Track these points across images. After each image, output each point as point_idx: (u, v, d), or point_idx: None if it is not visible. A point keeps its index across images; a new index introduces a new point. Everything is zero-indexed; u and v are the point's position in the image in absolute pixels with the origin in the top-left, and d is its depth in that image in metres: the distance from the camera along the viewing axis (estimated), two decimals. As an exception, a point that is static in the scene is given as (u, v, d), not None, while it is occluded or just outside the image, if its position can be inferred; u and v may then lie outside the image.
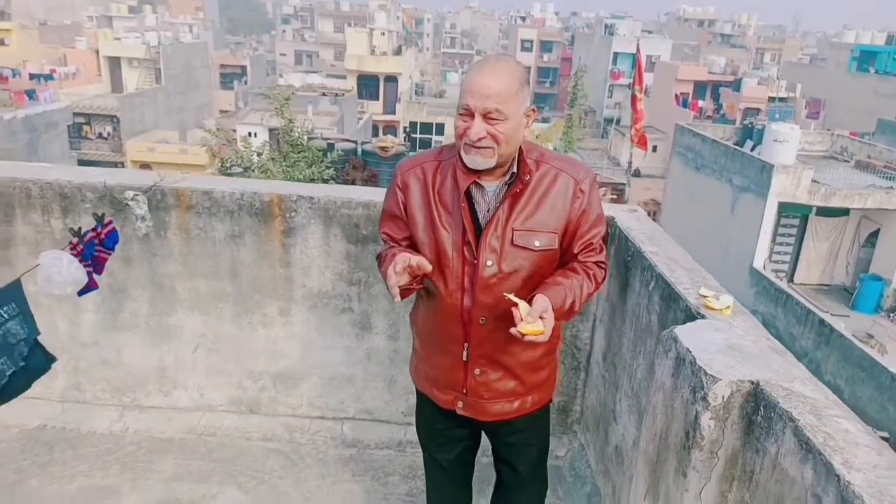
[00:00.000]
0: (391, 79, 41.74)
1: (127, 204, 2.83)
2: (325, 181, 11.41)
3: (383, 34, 43.30)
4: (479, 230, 1.85)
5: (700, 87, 45.66)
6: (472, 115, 1.73)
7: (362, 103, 39.19)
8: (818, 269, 21.34)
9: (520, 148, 1.83)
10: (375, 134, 35.79)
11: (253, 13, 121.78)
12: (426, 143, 37.52)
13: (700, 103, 44.00)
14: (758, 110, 40.17)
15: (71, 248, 2.27)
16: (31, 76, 40.92)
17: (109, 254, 2.45)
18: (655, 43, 54.37)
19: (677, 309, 2.16)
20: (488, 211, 1.85)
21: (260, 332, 3.19)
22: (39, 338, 2.19)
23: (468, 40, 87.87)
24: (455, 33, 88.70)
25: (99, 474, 2.95)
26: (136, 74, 46.02)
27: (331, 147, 13.00)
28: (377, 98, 41.38)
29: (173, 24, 61.66)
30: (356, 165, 12.41)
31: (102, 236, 2.41)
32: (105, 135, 40.30)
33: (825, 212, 20.05)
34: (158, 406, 3.32)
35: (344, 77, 42.34)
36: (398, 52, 43.99)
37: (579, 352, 3.17)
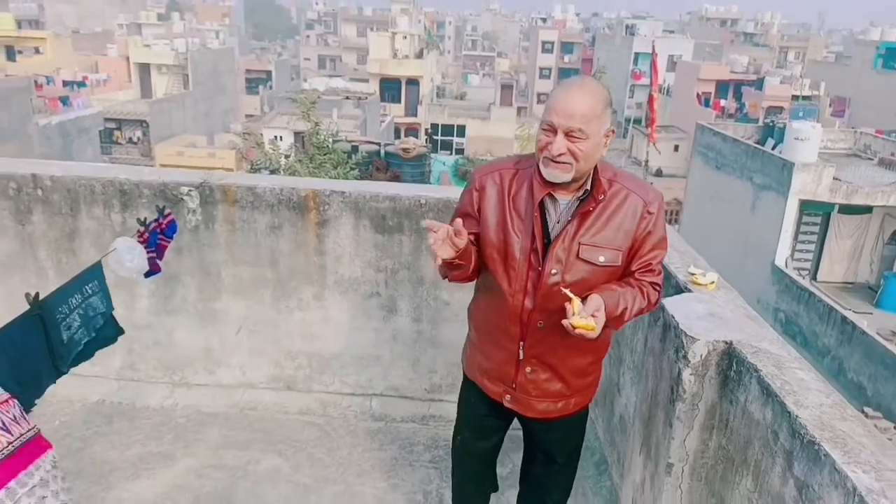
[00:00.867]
0: (413, 82, 42.15)
1: (182, 198, 3.16)
2: (350, 182, 11.66)
3: (405, 38, 43.69)
4: (547, 239, 1.95)
5: (722, 87, 45.40)
6: (554, 132, 1.82)
7: (384, 106, 39.63)
8: (842, 267, 21.25)
9: (595, 166, 1.92)
10: (397, 136, 36.18)
11: (277, 19, 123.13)
12: (447, 145, 37.82)
13: (722, 102, 43.74)
14: (781, 109, 39.83)
15: (138, 236, 2.59)
16: (65, 83, 41.91)
17: (169, 241, 2.77)
18: (677, 42, 54.18)
19: (669, 285, 2.43)
20: (558, 223, 1.95)
21: (296, 316, 3.51)
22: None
23: (489, 42, 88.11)
24: (476, 36, 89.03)
25: (154, 443, 3.28)
26: (165, 80, 46.91)
27: (355, 149, 13.36)
28: (399, 101, 41.82)
29: (200, 30, 62.61)
30: (379, 167, 12.74)
31: (164, 226, 2.74)
32: (135, 139, 41.17)
33: (848, 209, 19.97)
34: (205, 383, 3.65)
35: (366, 80, 42.84)
36: (420, 55, 44.37)
37: (589, 333, 3.44)
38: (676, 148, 38.09)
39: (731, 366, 1.89)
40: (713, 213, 23.00)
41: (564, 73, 61.83)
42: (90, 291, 2.33)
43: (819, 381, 1.73)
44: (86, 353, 2.38)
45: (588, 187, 1.93)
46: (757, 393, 1.75)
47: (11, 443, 1.85)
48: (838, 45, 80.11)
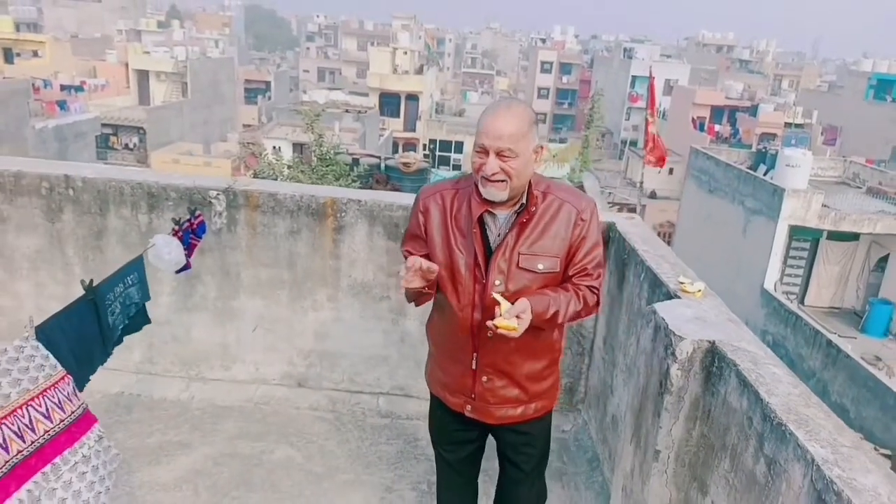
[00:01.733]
0: (412, 97, 42.61)
1: (210, 201, 3.39)
2: (350, 194, 11.91)
3: (406, 53, 44.19)
4: (489, 253, 2.06)
5: (717, 112, 45.96)
6: (487, 153, 1.95)
7: (384, 120, 40.02)
8: (829, 293, 21.61)
9: (529, 180, 2.05)
10: (395, 150, 36.51)
11: (278, 30, 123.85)
12: (445, 160, 38.19)
13: (717, 127, 44.25)
14: (774, 135, 40.37)
15: (173, 234, 2.81)
16: (63, 87, 42.02)
17: (199, 240, 2.99)
18: (674, 67, 54.90)
19: (660, 293, 2.67)
20: (499, 236, 2.06)
21: (310, 316, 3.73)
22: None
23: (489, 61, 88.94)
24: (476, 53, 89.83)
25: (172, 432, 3.48)
26: (164, 87, 47.07)
27: (356, 162, 13.62)
28: (398, 116, 42.24)
29: (200, 38, 62.88)
30: (379, 179, 13.00)
31: (195, 226, 2.96)
32: (131, 146, 41.25)
33: (836, 236, 20.37)
34: (220, 378, 3.86)
35: (366, 94, 43.25)
36: (420, 71, 44.87)
37: (584, 339, 3.67)
38: (671, 171, 38.48)
39: (714, 362, 2.12)
40: (705, 236, 23.36)
41: (562, 93, 62.55)
42: (130, 283, 2.55)
43: (790, 376, 1.97)
44: (120, 339, 2.59)
45: (524, 200, 2.05)
46: (735, 385, 1.98)
47: (63, 420, 2.05)
48: (832, 75, 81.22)
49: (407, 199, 3.65)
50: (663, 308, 2.36)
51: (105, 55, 51.13)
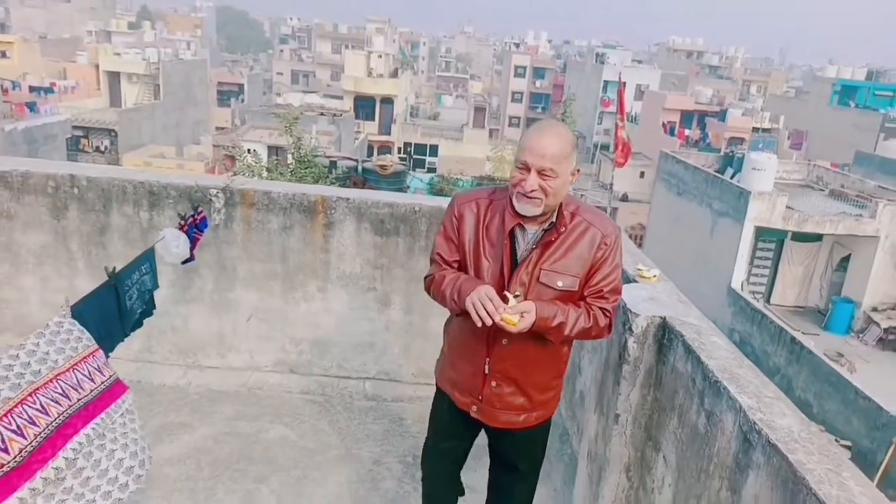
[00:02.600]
0: (387, 100, 42.83)
1: (210, 199, 3.65)
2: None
3: (380, 57, 44.38)
4: (514, 265, 2.15)
5: (687, 116, 46.82)
6: (528, 170, 2.02)
7: (359, 123, 40.17)
8: (794, 292, 22.30)
9: (561, 201, 2.13)
10: (370, 153, 36.71)
11: (250, 32, 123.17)
12: (421, 163, 38.46)
13: (687, 132, 45.06)
14: (742, 140, 41.25)
15: (179, 228, 3.07)
16: (32, 89, 41.48)
17: (201, 234, 3.25)
18: (645, 73, 55.85)
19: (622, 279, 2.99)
20: (526, 250, 2.15)
21: (302, 306, 4.01)
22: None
23: (463, 65, 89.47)
24: (450, 57, 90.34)
25: (173, 414, 3.73)
26: (135, 89, 46.63)
27: (333, 164, 13.86)
28: (373, 119, 42.43)
29: (171, 40, 62.32)
30: (357, 182, 13.24)
31: (197, 221, 3.21)
32: (102, 148, 40.80)
33: (800, 237, 21.05)
34: (216, 366, 4.11)
35: (340, 97, 43.37)
36: (394, 74, 45.10)
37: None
38: (642, 174, 39.28)
39: (665, 335, 2.45)
40: (674, 237, 23.94)
41: (536, 97, 63.21)
42: (144, 271, 2.81)
43: (728, 344, 2.30)
44: (137, 323, 2.84)
45: (553, 219, 2.14)
46: (681, 353, 2.31)
47: (104, 383, 2.31)
48: (798, 81, 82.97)
49: (391, 197, 3.94)
50: (623, 290, 2.68)
51: (75, 56, 50.48)
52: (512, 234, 2.15)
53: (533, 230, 2.15)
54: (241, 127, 38.13)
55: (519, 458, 2.47)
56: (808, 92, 54.27)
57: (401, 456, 3.49)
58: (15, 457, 1.85)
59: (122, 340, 2.63)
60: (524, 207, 2.07)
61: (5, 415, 1.89)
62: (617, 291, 2.20)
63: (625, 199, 36.56)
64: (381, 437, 3.64)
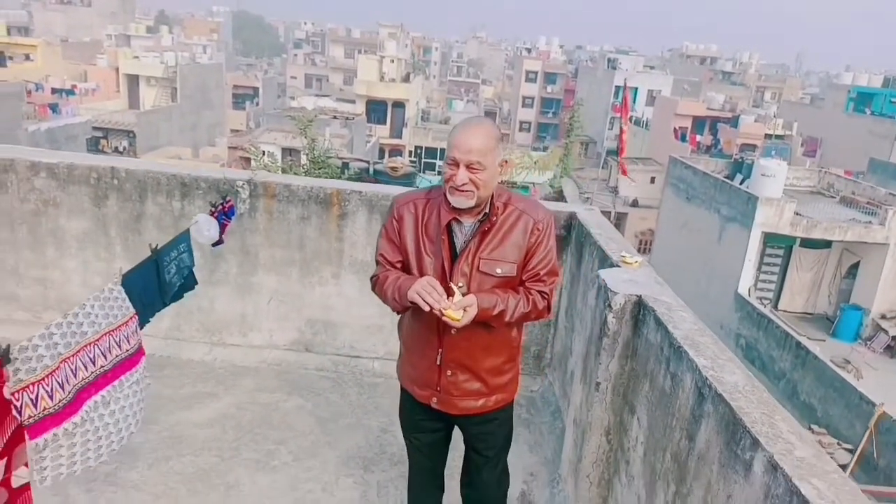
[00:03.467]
0: (399, 104, 43.32)
1: (237, 190, 4.00)
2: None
3: (392, 61, 44.88)
4: (455, 257, 2.26)
5: (699, 122, 46.83)
6: (457, 165, 2.15)
7: (370, 127, 40.67)
8: (802, 298, 22.45)
9: (492, 192, 2.25)
10: (381, 156, 37.16)
11: (265, 36, 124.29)
12: (431, 166, 38.85)
13: (698, 138, 45.10)
14: (754, 146, 41.18)
15: (210, 214, 3.42)
16: (54, 90, 42.33)
17: (229, 221, 3.60)
18: (657, 78, 55.97)
19: (607, 265, 3.32)
20: (464, 243, 2.27)
21: (317, 290, 4.35)
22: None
23: (474, 69, 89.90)
24: (462, 62, 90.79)
25: (200, 384, 4.08)
26: (153, 92, 47.38)
27: (346, 165, 14.25)
28: (385, 122, 42.93)
29: (188, 44, 63.12)
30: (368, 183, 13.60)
31: (226, 209, 3.57)
32: (121, 149, 41.47)
33: (808, 243, 21.21)
34: (238, 344, 4.46)
35: (353, 101, 43.91)
36: (406, 79, 45.59)
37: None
38: (653, 180, 39.36)
39: (640, 311, 2.76)
40: (683, 242, 24.15)
41: (547, 102, 63.47)
42: (182, 250, 3.16)
43: (694, 318, 2.61)
44: (177, 295, 3.19)
45: (486, 210, 2.26)
46: (653, 325, 2.62)
47: (127, 350, 2.65)
48: (815, 87, 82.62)
49: (399, 190, 4.27)
50: (605, 273, 3.01)
51: (95, 59, 51.32)
52: (449, 229, 2.26)
53: (469, 222, 2.27)
54: (256, 129, 38.71)
55: (485, 445, 2.55)
56: (824, 99, 54.08)
57: (407, 426, 3.82)
58: (39, 413, 2.10)
59: (161, 310, 2.97)
60: (458, 200, 2.19)
61: (51, 374, 2.19)
62: (553, 273, 2.33)
63: (635, 204, 36.67)
64: (388, 409, 3.97)
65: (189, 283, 3.26)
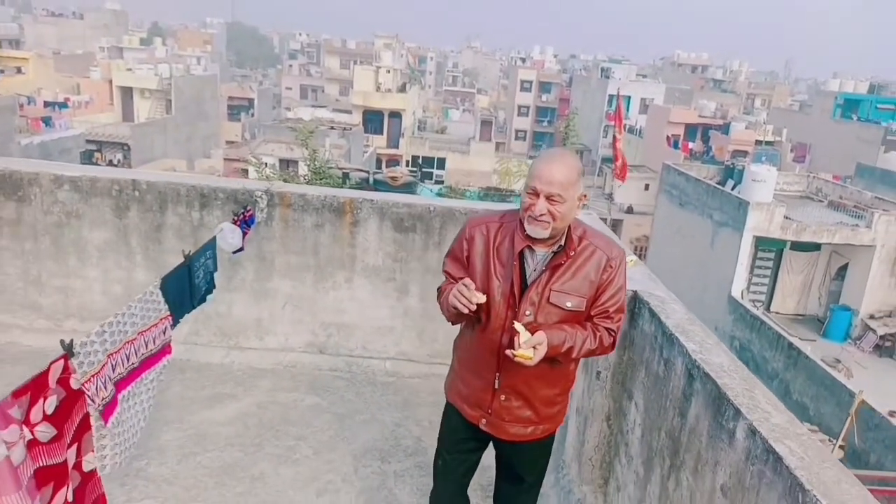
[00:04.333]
0: (395, 114, 43.66)
1: (256, 200, 4.25)
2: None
3: (388, 72, 45.24)
4: (524, 285, 2.26)
5: (691, 130, 47.24)
6: (537, 195, 2.15)
7: (368, 137, 40.97)
8: (793, 300, 22.78)
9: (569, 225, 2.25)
10: (379, 166, 37.45)
11: (259, 47, 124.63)
12: (429, 175, 39.12)
13: (690, 145, 45.49)
14: (745, 153, 41.57)
15: (233, 223, 3.66)
16: (46, 104, 42.34)
17: (249, 230, 3.85)
18: (649, 87, 56.50)
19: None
20: (535, 271, 2.26)
21: (330, 294, 4.59)
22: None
23: (470, 79, 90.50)
24: (457, 72, 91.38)
25: (220, 386, 4.31)
26: (148, 104, 47.46)
27: (346, 175, 14.50)
28: (382, 132, 43.25)
29: (182, 56, 63.26)
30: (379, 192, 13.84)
31: (247, 218, 3.81)
32: (115, 162, 41.50)
33: (798, 246, 21.57)
34: (255, 347, 4.69)
35: (349, 112, 44.23)
36: (402, 89, 45.95)
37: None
38: (647, 187, 39.74)
39: (636, 305, 3.01)
40: (677, 247, 24.49)
41: (542, 111, 63.96)
42: (208, 256, 3.40)
43: (684, 310, 2.86)
44: (203, 298, 3.42)
45: (562, 242, 2.25)
46: (648, 317, 2.87)
47: (152, 350, 2.87)
48: (804, 94, 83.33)
49: (409, 199, 4.53)
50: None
51: (88, 72, 51.30)
52: (521, 256, 2.27)
53: (542, 252, 2.26)
54: (253, 141, 38.94)
55: (526, 470, 2.58)
56: (812, 105, 54.68)
57: (418, 420, 4.05)
58: (100, 403, 2.31)
59: (189, 312, 3.20)
60: (534, 230, 2.19)
61: (101, 370, 2.40)
62: (621, 311, 2.33)
63: (630, 211, 37.05)
64: (401, 406, 4.21)
65: (210, 287, 3.49)
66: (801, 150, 44.99)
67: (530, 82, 63.63)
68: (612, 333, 2.31)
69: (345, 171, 14.95)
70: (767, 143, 43.50)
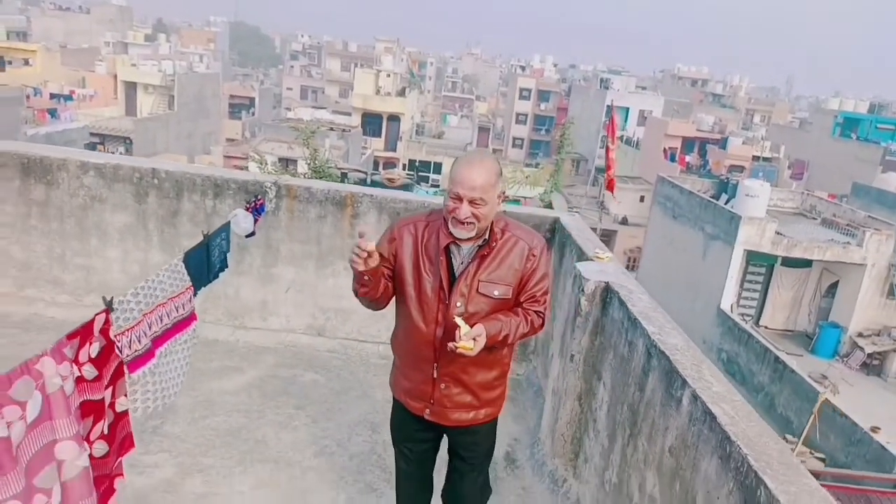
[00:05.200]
0: (394, 118, 44.08)
1: (266, 190, 4.59)
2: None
3: (388, 76, 45.67)
4: (453, 279, 2.39)
5: (688, 143, 47.57)
6: (460, 200, 2.26)
7: (366, 139, 41.37)
8: (783, 315, 23.14)
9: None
10: (376, 168, 37.80)
11: (261, 47, 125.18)
12: (425, 179, 39.50)
13: (687, 158, 45.83)
14: (742, 168, 41.94)
15: (246, 209, 4.00)
16: (52, 96, 42.67)
17: (260, 217, 4.18)
18: (648, 99, 56.94)
19: (583, 259, 3.92)
20: (462, 264, 2.40)
21: (330, 281, 4.93)
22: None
23: (469, 85, 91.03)
24: (457, 78, 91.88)
25: (227, 360, 4.64)
26: (151, 100, 47.76)
27: (344, 175, 14.83)
28: (380, 135, 43.66)
29: (185, 53, 63.56)
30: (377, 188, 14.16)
31: (257, 206, 4.15)
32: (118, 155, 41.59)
33: (789, 262, 21.92)
34: (258, 328, 5.02)
35: (349, 114, 44.63)
36: (402, 93, 46.36)
37: (536, 305, 4.91)
38: (642, 198, 40.06)
39: (607, 295, 3.36)
40: (669, 259, 24.84)
41: (540, 119, 64.36)
42: (223, 238, 3.74)
43: (650, 299, 3.21)
44: (217, 275, 3.76)
45: (486, 236, 2.39)
46: (617, 305, 3.22)
47: (182, 314, 3.21)
48: (805, 112, 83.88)
49: (404, 195, 4.88)
50: (581, 265, 3.61)
51: (93, 66, 51.59)
52: (448, 251, 2.40)
53: (467, 246, 2.41)
54: (253, 139, 39.28)
55: (470, 454, 2.71)
56: (812, 123, 55.08)
57: (408, 398, 4.39)
58: (131, 354, 2.66)
59: (206, 286, 3.54)
60: (459, 232, 2.33)
61: (136, 326, 2.76)
62: (548, 293, 2.51)
63: (624, 222, 37.43)
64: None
65: (224, 265, 3.83)
66: (798, 168, 45.34)
67: (529, 90, 64.03)
68: (541, 315, 2.47)
69: (343, 171, 15.29)
70: (765, 158, 43.79)
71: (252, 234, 4.05)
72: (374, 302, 2.53)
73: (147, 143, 41.86)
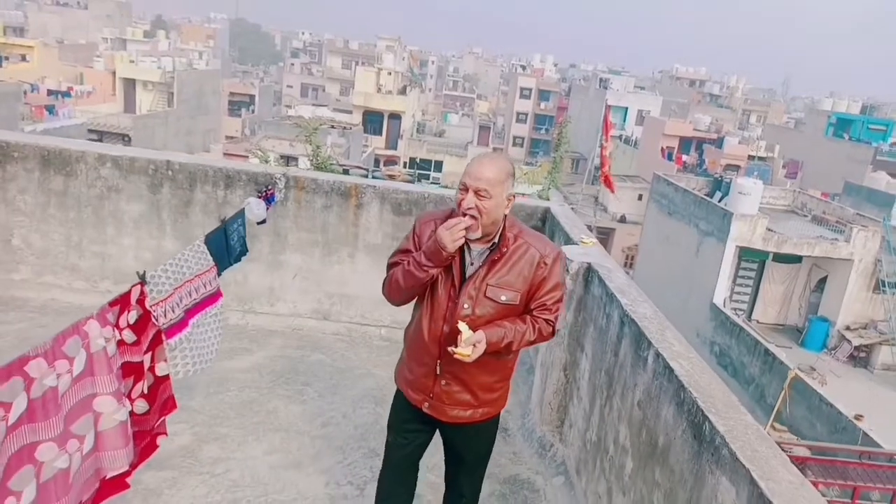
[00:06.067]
0: (395, 116, 44.37)
1: (276, 181, 4.91)
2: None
3: (390, 74, 45.93)
4: (463, 279, 2.42)
5: (685, 143, 47.86)
6: (467, 190, 2.32)
7: (367, 137, 41.64)
8: (774, 310, 23.54)
9: (504, 224, 2.41)
10: (377, 166, 38.10)
11: (262, 44, 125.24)
12: (425, 178, 39.80)
13: (684, 157, 46.15)
14: (738, 167, 42.24)
15: (258, 198, 4.32)
16: (50, 92, 42.71)
17: (271, 206, 4.51)
18: (646, 99, 57.26)
19: (570, 244, 4.25)
20: (472, 265, 2.43)
21: (335, 268, 5.25)
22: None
23: (470, 84, 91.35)
24: (458, 77, 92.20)
25: (237, 342, 4.96)
26: (150, 96, 47.80)
27: (346, 172, 15.14)
28: (381, 133, 43.95)
29: (185, 50, 63.60)
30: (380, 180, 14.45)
31: (268, 195, 4.47)
32: (117, 152, 41.58)
33: (780, 258, 22.31)
34: (266, 312, 5.35)
35: (349, 112, 44.89)
36: (403, 91, 46.65)
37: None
38: (640, 197, 40.39)
39: (589, 275, 3.69)
40: (664, 255, 25.22)
41: (540, 118, 64.64)
42: (239, 223, 4.06)
43: (626, 278, 3.54)
44: (238, 258, 4.08)
45: (496, 240, 2.42)
46: (597, 283, 3.55)
47: (209, 290, 3.53)
48: (800, 112, 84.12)
49: (406, 187, 5.20)
50: (567, 248, 3.94)
51: (91, 62, 51.46)
52: (462, 252, 2.42)
53: (479, 249, 2.43)
54: (254, 136, 39.53)
55: (467, 451, 2.73)
56: (806, 123, 55.41)
57: (408, 375, 4.72)
58: (167, 322, 2.99)
59: (229, 266, 3.87)
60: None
61: (168, 298, 3.08)
62: (560, 302, 2.50)
63: (623, 220, 37.75)
64: (393, 365, 4.85)
65: (243, 249, 4.16)
66: (792, 167, 45.66)
67: (530, 90, 64.28)
68: (551, 323, 2.47)
69: (345, 167, 15.60)
70: (760, 158, 44.12)
71: (264, 221, 4.38)
72: (410, 299, 2.61)
73: (146, 141, 41.87)
